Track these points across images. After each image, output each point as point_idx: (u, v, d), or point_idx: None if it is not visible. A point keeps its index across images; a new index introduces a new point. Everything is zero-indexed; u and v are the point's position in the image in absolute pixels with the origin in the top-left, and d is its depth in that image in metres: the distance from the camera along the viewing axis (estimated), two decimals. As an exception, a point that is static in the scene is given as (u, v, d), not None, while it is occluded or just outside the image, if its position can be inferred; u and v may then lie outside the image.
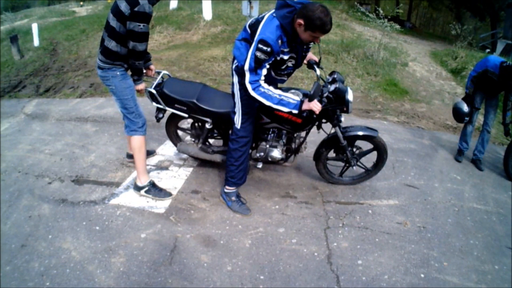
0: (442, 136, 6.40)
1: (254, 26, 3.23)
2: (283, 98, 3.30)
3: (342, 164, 4.45)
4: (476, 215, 4.30)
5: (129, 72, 3.85)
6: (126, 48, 3.60)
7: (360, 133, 4.05)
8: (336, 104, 3.70)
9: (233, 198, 4.06)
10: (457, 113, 5.49)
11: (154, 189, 4.23)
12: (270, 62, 3.22)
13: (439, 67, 10.28)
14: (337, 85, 3.63)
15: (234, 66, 3.63)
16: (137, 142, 4.03)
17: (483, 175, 5.28)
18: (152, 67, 4.29)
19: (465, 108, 5.34)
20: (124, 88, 3.81)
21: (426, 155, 5.54)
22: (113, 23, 3.49)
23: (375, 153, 4.31)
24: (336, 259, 3.51)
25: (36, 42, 11.69)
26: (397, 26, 9.05)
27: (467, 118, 5.43)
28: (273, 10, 3.15)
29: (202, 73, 8.12)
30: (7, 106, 7.36)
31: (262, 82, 3.24)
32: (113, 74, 3.73)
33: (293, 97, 3.34)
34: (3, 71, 9.91)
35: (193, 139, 4.56)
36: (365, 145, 4.26)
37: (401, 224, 3.98)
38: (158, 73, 4.41)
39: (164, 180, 4.53)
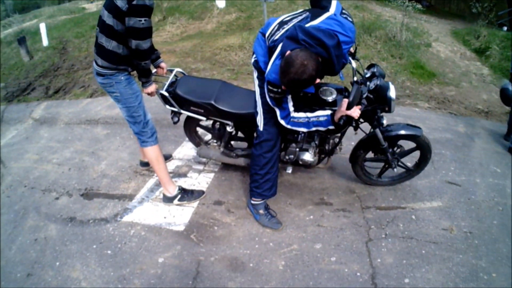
0: (475, 122, 5.80)
1: (272, 47, 2.78)
2: (313, 120, 2.94)
3: (381, 164, 3.86)
4: (519, 214, 3.75)
5: (134, 74, 3.30)
6: (128, 48, 3.03)
7: (403, 132, 3.46)
8: (376, 103, 3.15)
9: (261, 211, 3.51)
10: (504, 96, 5.04)
11: (186, 195, 3.81)
12: (290, 95, 2.85)
13: (463, 47, 9.58)
14: (378, 82, 3.08)
15: (253, 60, 3.14)
16: (152, 153, 3.53)
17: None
18: (163, 64, 3.71)
19: (511, 87, 4.92)
20: (130, 94, 3.27)
21: (463, 145, 4.94)
22: (110, 20, 2.90)
23: (417, 151, 3.72)
24: (381, 278, 2.99)
25: (45, 42, 11.22)
26: (419, 6, 8.41)
27: None
28: (283, 41, 2.60)
29: (219, 63, 7.54)
30: (15, 111, 6.90)
31: (292, 114, 2.92)
32: (117, 80, 3.18)
33: (322, 113, 2.93)
34: (13, 74, 9.47)
35: (214, 141, 4.01)
36: (406, 143, 3.68)
37: (447, 231, 3.45)
38: (171, 71, 3.83)
39: (182, 188, 3.97)
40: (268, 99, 2.90)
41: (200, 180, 4.14)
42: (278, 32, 2.73)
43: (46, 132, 5.68)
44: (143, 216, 3.67)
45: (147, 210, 3.74)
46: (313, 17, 2.66)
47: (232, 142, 4.11)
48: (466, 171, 4.32)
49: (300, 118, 2.92)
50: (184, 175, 4.26)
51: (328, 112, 2.90)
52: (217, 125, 3.81)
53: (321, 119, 2.90)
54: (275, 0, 7.70)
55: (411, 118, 5.50)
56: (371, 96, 3.10)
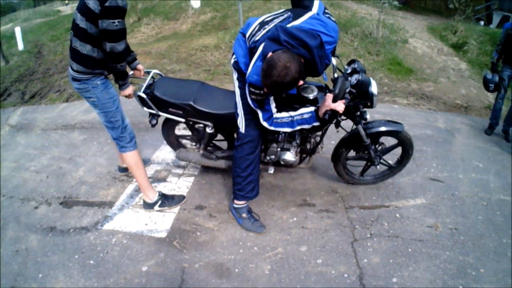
0: (455, 118, 5.87)
1: (253, 48, 2.71)
2: (298, 118, 2.87)
3: (363, 162, 3.82)
4: (504, 209, 3.79)
5: (111, 78, 3.19)
6: (103, 51, 2.92)
7: (385, 128, 3.43)
8: (358, 98, 3.10)
9: (244, 215, 3.44)
10: (484, 82, 5.34)
11: (167, 200, 3.70)
12: (272, 96, 2.80)
13: (440, 43, 9.68)
14: (360, 77, 3.04)
15: (233, 61, 3.06)
16: (131, 158, 3.43)
17: (504, 161, 4.73)
18: (139, 66, 3.62)
19: (489, 75, 5.22)
20: (107, 99, 3.16)
21: (444, 141, 4.97)
22: (83, 24, 2.79)
23: (398, 148, 3.71)
24: (368, 279, 2.96)
25: (20, 46, 10.97)
26: (396, 2, 8.42)
27: (492, 85, 5.23)
28: (264, 42, 2.51)
29: (194, 64, 7.45)
30: (-10, 118, 6.65)
31: (275, 114, 2.86)
32: (93, 85, 3.07)
33: (306, 110, 2.86)
34: (-13, 79, 9.16)
35: (193, 144, 3.91)
36: (387, 140, 3.68)
37: (432, 228, 3.46)
38: (148, 73, 3.73)
39: (162, 194, 3.87)
40: (249, 101, 2.83)
41: (180, 185, 4.05)
42: (259, 32, 2.66)
43: (22, 138, 5.50)
44: (124, 223, 3.56)
45: (128, 217, 3.62)
46: (295, 17, 2.60)
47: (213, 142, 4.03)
48: (448, 167, 4.34)
49: (284, 118, 2.86)
50: (164, 179, 4.16)
51: (312, 108, 2.84)
52: (196, 126, 3.71)
53: (305, 116, 2.84)
54: (251, -1, 7.61)
55: (391, 115, 5.49)
56: (354, 91, 3.06)
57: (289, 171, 4.15)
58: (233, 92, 3.23)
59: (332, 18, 2.73)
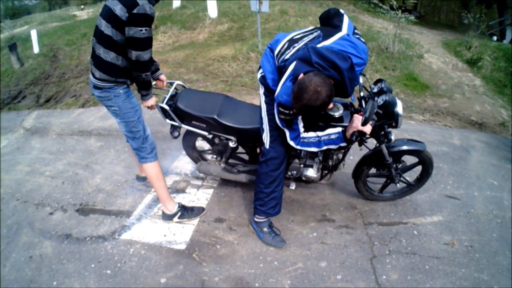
0: (470, 135, 5.74)
1: (282, 67, 2.63)
2: (325, 139, 2.81)
3: (383, 179, 3.76)
4: (518, 226, 3.70)
5: (134, 87, 3.11)
6: (128, 60, 2.85)
7: (407, 148, 3.38)
8: (384, 118, 3.03)
9: (265, 229, 3.35)
10: None
11: (186, 212, 3.62)
12: (300, 115, 2.75)
13: (454, 58, 9.55)
14: (387, 97, 2.96)
15: (259, 76, 2.99)
16: (151, 170, 3.35)
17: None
18: (162, 77, 3.53)
19: None
20: (129, 108, 3.09)
21: (460, 158, 4.87)
22: (108, 30, 2.71)
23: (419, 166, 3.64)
24: (388, 296, 2.84)
25: (36, 49, 10.95)
26: (412, 17, 8.33)
27: None
28: (295, 62, 2.46)
29: (212, 74, 7.37)
30: (5, 119, 6.64)
31: (302, 134, 2.82)
32: (115, 93, 2.99)
33: (333, 131, 2.80)
34: (3, 81, 9.22)
35: (214, 156, 3.82)
36: (406, 158, 3.60)
37: (448, 245, 3.37)
38: (171, 84, 3.66)
39: (181, 205, 3.78)
40: (277, 121, 2.78)
41: (199, 196, 3.96)
42: (288, 51, 2.59)
43: (37, 142, 5.46)
44: (142, 233, 3.48)
45: (146, 228, 3.55)
46: (325, 37, 2.54)
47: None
48: (464, 185, 4.25)
49: (311, 138, 2.80)
50: (183, 190, 4.08)
51: (339, 129, 2.78)
52: (219, 140, 3.62)
53: (333, 137, 2.78)
54: (268, 11, 7.51)
55: (407, 131, 5.40)
56: (380, 111, 2.98)
57: (308, 186, 4.07)
58: (258, 107, 3.16)
59: (361, 39, 2.66)
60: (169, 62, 8.16)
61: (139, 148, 3.27)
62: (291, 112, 2.56)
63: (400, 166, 3.56)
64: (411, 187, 3.77)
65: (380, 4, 8.49)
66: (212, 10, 10.92)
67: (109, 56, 2.81)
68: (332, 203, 3.87)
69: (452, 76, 8.30)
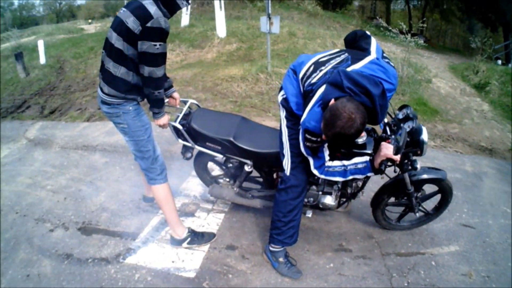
0: (481, 161, 5.59)
1: (309, 91, 2.43)
2: (351, 168, 2.62)
3: (401, 208, 3.58)
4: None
5: (144, 103, 2.91)
6: (139, 75, 2.65)
7: (429, 176, 3.21)
8: (409, 146, 2.84)
9: (281, 259, 3.11)
10: None
11: (196, 237, 3.36)
12: (326, 143, 2.55)
13: (462, 83, 9.54)
14: (414, 124, 2.77)
15: (280, 98, 2.81)
16: (161, 192, 3.12)
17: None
18: (176, 95, 3.32)
19: None
20: (139, 127, 2.87)
21: (473, 185, 4.71)
22: (119, 44, 2.52)
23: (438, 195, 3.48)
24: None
25: (42, 59, 10.81)
26: (421, 41, 8.23)
27: None
28: (324, 86, 2.29)
29: (220, 94, 7.20)
30: (8, 129, 6.44)
31: (327, 163, 2.61)
32: (124, 110, 2.78)
33: (360, 160, 2.62)
34: (8, 89, 9.04)
35: (227, 179, 3.58)
36: (425, 186, 3.41)
37: (466, 276, 3.19)
38: (184, 102, 3.46)
39: (191, 231, 3.54)
40: (302, 148, 2.57)
41: (209, 221, 3.72)
42: (315, 74, 2.42)
43: (40, 154, 5.24)
44: (148, 258, 3.24)
45: (153, 252, 3.30)
46: (354, 60, 2.37)
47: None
48: (478, 213, 4.10)
49: (336, 167, 2.61)
50: (192, 214, 3.83)
51: (367, 158, 2.60)
52: (233, 163, 3.39)
53: (360, 166, 2.59)
54: (278, 32, 7.36)
55: (420, 158, 5.20)
56: (407, 139, 2.77)
57: (323, 213, 3.85)
58: (277, 130, 2.99)
59: (391, 63, 2.49)
60: (177, 80, 8.00)
61: (148, 168, 3.04)
62: (318, 139, 2.38)
63: (419, 195, 3.39)
64: (429, 216, 3.61)
65: (390, 28, 8.39)
66: (221, 29, 10.82)
67: (119, 71, 2.61)
68: (348, 232, 3.66)
69: (461, 101, 8.25)
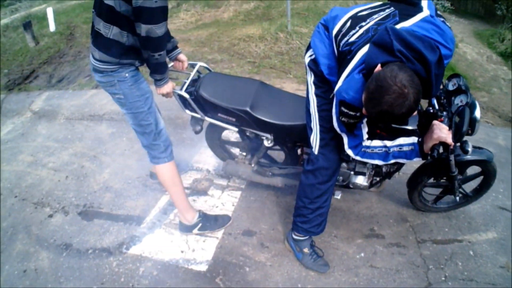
0: None
1: (345, 52, 1.88)
2: (394, 150, 2.08)
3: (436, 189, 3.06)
4: None
5: (144, 69, 2.35)
6: (136, 36, 2.09)
7: (475, 158, 2.65)
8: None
9: (306, 250, 2.63)
10: None
11: (208, 222, 2.91)
12: (366, 118, 1.97)
13: (488, 50, 8.75)
14: (468, 99, 2.18)
15: (308, 59, 2.23)
16: (165, 172, 2.62)
17: None
18: (182, 57, 2.72)
19: None
20: (137, 96, 2.33)
21: (506, 161, 4.12)
22: (109, 0, 1.98)
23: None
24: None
25: (52, 27, 10.28)
26: (448, 4, 7.49)
27: None
28: (367, 47, 1.74)
29: (238, 55, 6.59)
30: (14, 101, 6.02)
31: (365, 142, 2.08)
32: (120, 78, 2.23)
33: (406, 141, 2.07)
34: (17, 60, 8.56)
35: (243, 153, 3.05)
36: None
37: (504, 269, 2.74)
38: (192, 66, 2.87)
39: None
40: (335, 123, 2.02)
41: (224, 200, 3.23)
42: (353, 31, 1.86)
43: (44, 128, 4.81)
44: (154, 248, 2.81)
45: (160, 240, 2.87)
46: (403, 16, 1.80)
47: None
48: None
49: (376, 148, 2.09)
50: (204, 192, 3.35)
51: (415, 139, 2.04)
52: (250, 136, 2.87)
53: (405, 148, 2.05)
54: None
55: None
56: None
57: (352, 192, 3.34)
58: (303, 98, 2.43)
59: (446, 23, 1.89)
60: (191, 41, 7.44)
61: (150, 145, 2.53)
62: (357, 114, 1.84)
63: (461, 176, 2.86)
64: (468, 199, 3.10)
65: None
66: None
67: (110, 31, 2.06)
68: (380, 214, 3.15)
69: (488, 68, 7.58)
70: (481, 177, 2.91)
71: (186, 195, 2.77)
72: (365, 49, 1.73)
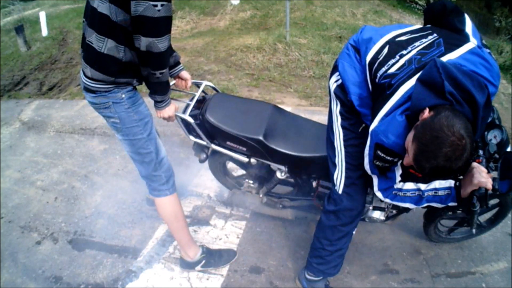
0: None
1: (384, 85, 1.56)
2: (428, 195, 1.78)
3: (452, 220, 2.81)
4: None
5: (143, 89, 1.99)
6: (134, 51, 1.74)
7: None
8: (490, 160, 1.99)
9: None
10: None
11: (212, 258, 2.56)
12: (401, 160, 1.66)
13: None
14: (503, 135, 1.91)
15: (334, 85, 1.92)
16: (167, 206, 2.27)
17: None
18: (185, 74, 2.36)
19: None
20: (135, 121, 1.96)
21: None
22: (104, 7, 1.63)
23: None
24: None
25: (44, 31, 9.90)
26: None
27: None
28: (410, 83, 1.47)
29: (235, 66, 6.27)
30: (3, 110, 5.59)
31: (397, 185, 1.79)
32: (115, 99, 1.87)
33: (442, 185, 1.76)
34: (8, 65, 8.15)
35: (250, 182, 2.71)
36: None
37: None
38: (197, 85, 2.51)
39: (205, 245, 2.71)
40: (367, 166, 1.73)
41: (228, 231, 2.90)
42: (392, 60, 1.56)
43: (32, 140, 4.44)
44: (153, 285, 2.48)
45: (159, 277, 2.54)
46: (448, 46, 1.51)
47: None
48: None
49: (409, 191, 1.79)
50: (206, 221, 3.00)
51: (451, 183, 1.74)
52: (261, 167, 2.53)
53: (441, 193, 1.76)
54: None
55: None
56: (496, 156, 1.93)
57: (364, 222, 3.03)
58: (323, 126, 2.15)
59: (491, 54, 1.62)
60: (187, 49, 7.12)
61: (150, 176, 2.18)
62: (395, 159, 1.57)
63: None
64: (482, 229, 2.88)
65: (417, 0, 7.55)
66: (235, -4, 9.80)
67: (104, 45, 1.70)
68: (393, 246, 2.87)
69: None
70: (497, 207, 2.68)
71: (188, 229, 2.43)
72: (408, 84, 1.45)
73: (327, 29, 7.17)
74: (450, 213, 2.62)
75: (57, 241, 2.90)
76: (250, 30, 8.22)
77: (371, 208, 2.38)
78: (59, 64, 7.82)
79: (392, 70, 1.53)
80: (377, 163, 1.63)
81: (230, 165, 2.92)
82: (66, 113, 5.06)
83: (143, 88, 1.97)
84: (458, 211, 2.58)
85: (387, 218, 2.51)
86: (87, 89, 1.87)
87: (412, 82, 1.44)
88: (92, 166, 3.79)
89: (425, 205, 1.82)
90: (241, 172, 2.98)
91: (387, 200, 1.83)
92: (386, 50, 1.61)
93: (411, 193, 1.79)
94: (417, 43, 1.57)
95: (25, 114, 5.21)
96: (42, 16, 10.06)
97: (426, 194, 1.77)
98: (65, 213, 3.17)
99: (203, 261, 2.50)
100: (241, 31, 8.34)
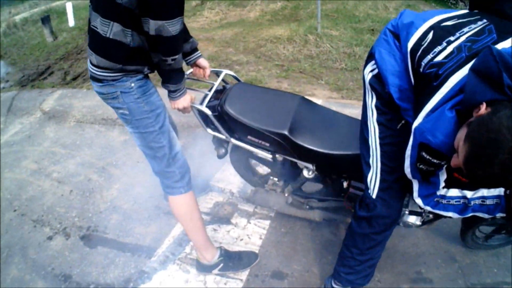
0: None
1: (428, 75, 1.31)
2: (475, 203, 1.54)
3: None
4: None
5: (156, 77, 1.78)
6: (143, 35, 1.53)
7: None
8: None
9: None
10: None
11: (231, 262, 2.33)
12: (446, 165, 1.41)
13: None
14: None
15: (369, 75, 1.65)
16: (181, 205, 2.06)
17: None
18: (202, 62, 2.12)
19: None
20: (145, 112, 1.75)
21: None
22: None
23: None
24: None
25: (71, 22, 9.93)
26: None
27: None
28: (462, 73, 1.21)
29: (264, 57, 6.05)
30: (25, 99, 5.54)
31: (440, 191, 1.55)
32: (123, 88, 1.66)
33: (490, 193, 1.52)
34: (34, 55, 8.17)
35: (275, 179, 2.48)
36: None
37: None
38: (216, 74, 2.27)
39: (224, 245, 2.49)
40: (407, 169, 1.46)
41: (250, 231, 2.66)
42: (439, 47, 1.31)
43: (52, 130, 4.32)
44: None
45: (173, 279, 2.34)
46: (500, 33, 1.26)
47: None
48: None
49: (453, 198, 1.56)
50: (227, 220, 2.77)
51: (501, 191, 1.50)
52: (287, 164, 2.29)
53: (489, 202, 1.51)
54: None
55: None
56: None
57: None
58: (356, 120, 1.91)
59: None
60: (215, 40, 6.93)
61: (163, 172, 1.97)
62: (442, 162, 1.32)
63: None
64: None
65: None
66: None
67: (110, 29, 1.50)
68: (427, 252, 2.61)
69: None
70: None
71: (205, 230, 2.21)
72: (458, 75, 1.19)
73: (359, 22, 6.90)
74: (490, 219, 2.37)
75: (69, 236, 2.74)
76: (280, 22, 8.00)
77: (407, 212, 2.12)
78: (85, 54, 7.66)
79: (439, 58, 1.28)
80: (421, 166, 1.38)
81: (254, 161, 2.68)
82: (89, 103, 4.94)
83: (156, 77, 1.75)
84: (498, 219, 2.33)
85: (423, 223, 2.25)
86: (94, 78, 1.68)
87: (463, 72, 1.18)
88: (111, 158, 3.63)
89: (470, 214, 1.58)
90: (265, 169, 2.74)
91: (428, 208, 1.59)
92: (430, 35, 1.36)
93: (456, 201, 1.55)
94: (465, 29, 1.31)
95: (47, 104, 5.11)
96: (69, 6, 10.10)
97: (472, 202, 1.53)
98: (79, 207, 3.01)
99: (221, 265, 2.28)
100: (271, 22, 8.13)
